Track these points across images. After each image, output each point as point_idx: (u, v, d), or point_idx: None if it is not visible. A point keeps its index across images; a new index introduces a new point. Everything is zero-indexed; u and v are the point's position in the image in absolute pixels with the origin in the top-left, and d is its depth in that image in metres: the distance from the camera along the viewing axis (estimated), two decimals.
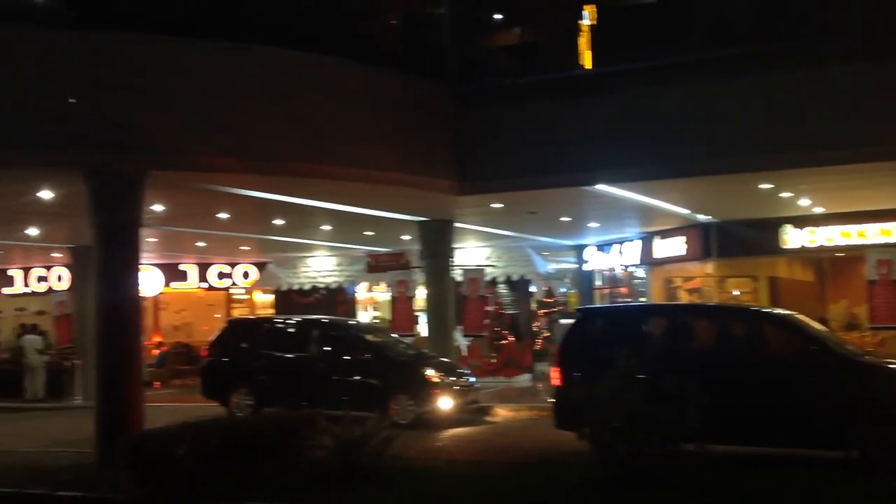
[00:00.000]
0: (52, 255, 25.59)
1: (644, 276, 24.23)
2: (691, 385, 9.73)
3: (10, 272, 29.69)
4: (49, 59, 12.32)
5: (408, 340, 19.93)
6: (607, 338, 12.31)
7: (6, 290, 30.02)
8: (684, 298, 23.23)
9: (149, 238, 20.09)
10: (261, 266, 29.16)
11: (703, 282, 22.77)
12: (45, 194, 15.04)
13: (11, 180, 14.05)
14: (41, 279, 29.31)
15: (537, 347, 26.01)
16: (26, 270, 29.48)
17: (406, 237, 22.18)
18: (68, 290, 25.42)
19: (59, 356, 23.68)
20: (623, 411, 9.72)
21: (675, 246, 22.33)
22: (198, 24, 13.21)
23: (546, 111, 15.39)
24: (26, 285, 29.67)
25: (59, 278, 28.52)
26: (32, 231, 20.16)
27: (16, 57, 12.23)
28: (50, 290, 28.23)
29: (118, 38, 12.63)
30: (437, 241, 19.95)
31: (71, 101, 12.15)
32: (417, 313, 22.65)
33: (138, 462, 10.49)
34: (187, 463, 10.43)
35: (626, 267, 24.96)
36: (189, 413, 15.02)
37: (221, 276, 29.52)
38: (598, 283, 26.77)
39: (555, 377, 12.77)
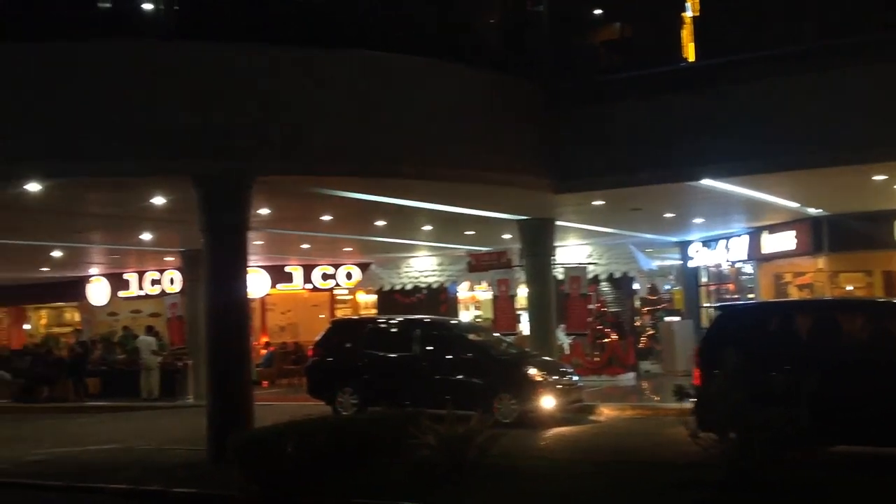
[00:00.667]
0: (165, 258, 26.41)
1: (752, 272, 23.64)
2: (836, 384, 9.34)
3: (125, 276, 30.80)
4: (161, 70, 12.67)
5: (510, 339, 19.88)
6: (748, 336, 11.87)
7: (122, 294, 31.15)
8: (795, 294, 22.58)
9: (256, 241, 20.57)
10: (363, 267, 29.51)
11: (814, 277, 22.07)
12: (158, 200, 15.54)
13: (126, 188, 14.54)
14: (154, 282, 30.30)
15: (641, 345, 25.69)
16: (140, 274, 30.52)
17: (507, 236, 22.14)
18: (180, 292, 26.24)
19: (172, 357, 24.48)
20: (757, 412, 9.40)
21: (785, 240, 21.72)
22: (302, 32, 13.41)
23: (648, 106, 15.16)
24: (140, 288, 30.72)
25: (172, 281, 29.40)
26: (146, 236, 20.86)
27: (129, 68, 12.63)
28: (163, 293, 29.22)
29: (229, 49, 12.88)
30: (539, 240, 19.85)
31: None
32: (519, 312, 22.58)
33: (249, 459, 10.75)
34: (296, 460, 10.64)
35: (733, 263, 24.38)
36: (296, 412, 15.30)
37: (325, 277, 29.98)
38: (703, 279, 26.24)
39: (695, 376, 12.44)
